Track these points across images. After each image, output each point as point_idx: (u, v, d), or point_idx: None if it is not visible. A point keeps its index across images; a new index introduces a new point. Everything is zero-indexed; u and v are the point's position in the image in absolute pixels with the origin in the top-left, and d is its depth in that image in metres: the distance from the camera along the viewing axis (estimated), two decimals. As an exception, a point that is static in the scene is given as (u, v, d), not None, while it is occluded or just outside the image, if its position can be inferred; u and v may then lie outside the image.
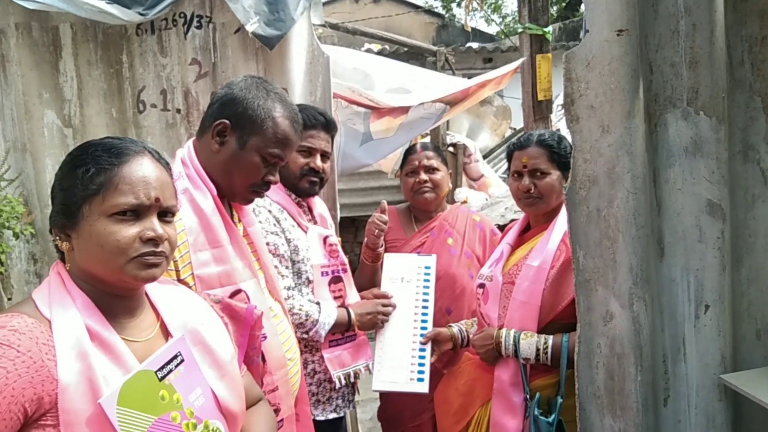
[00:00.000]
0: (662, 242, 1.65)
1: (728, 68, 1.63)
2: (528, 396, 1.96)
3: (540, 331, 1.98)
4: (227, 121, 1.61)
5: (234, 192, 1.68)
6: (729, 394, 1.65)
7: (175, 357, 1.18)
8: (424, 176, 2.75)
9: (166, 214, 1.20)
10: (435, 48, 5.79)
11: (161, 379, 1.13)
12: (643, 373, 1.58)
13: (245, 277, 1.66)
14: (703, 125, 1.59)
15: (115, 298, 1.17)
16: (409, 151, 2.87)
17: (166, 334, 1.24)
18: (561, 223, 2.01)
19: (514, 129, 8.07)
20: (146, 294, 1.27)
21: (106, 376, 1.06)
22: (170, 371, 1.16)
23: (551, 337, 1.95)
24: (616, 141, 1.53)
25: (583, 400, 1.67)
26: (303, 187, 2.28)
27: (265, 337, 1.64)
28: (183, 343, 1.22)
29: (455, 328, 2.43)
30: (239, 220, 1.77)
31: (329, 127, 2.32)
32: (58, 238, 1.16)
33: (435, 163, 2.78)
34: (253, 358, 1.51)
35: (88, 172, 1.12)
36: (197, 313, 1.32)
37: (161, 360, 1.15)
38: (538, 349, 1.95)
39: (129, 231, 1.12)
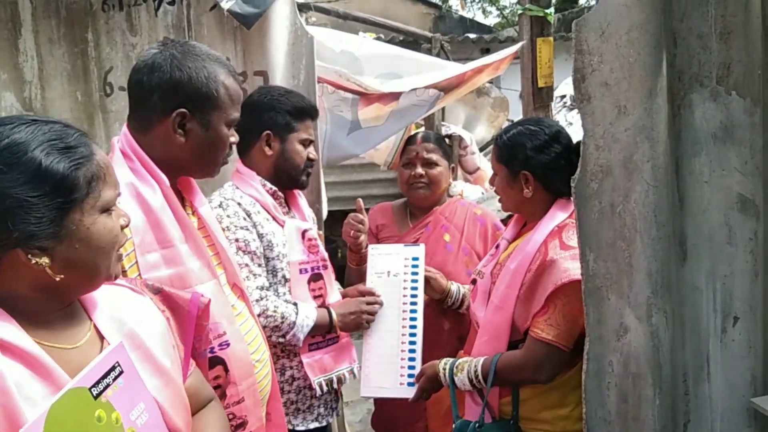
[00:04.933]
0: (685, 244, 1.48)
1: (763, 42, 1.42)
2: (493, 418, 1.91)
3: (521, 340, 1.85)
4: (185, 110, 1.50)
5: (208, 169, 1.62)
6: (759, 419, 1.49)
7: (113, 368, 1.03)
8: (420, 170, 2.61)
9: None
10: (431, 35, 5.58)
11: (97, 396, 0.98)
12: (662, 397, 1.40)
13: (203, 279, 1.53)
14: (735, 107, 1.41)
15: (58, 303, 1.05)
16: (409, 141, 2.74)
17: (101, 338, 1.10)
18: (546, 222, 1.88)
19: (512, 121, 7.87)
20: None
21: (32, 396, 0.92)
22: (107, 386, 1.01)
23: (481, 360, 1.87)
24: (635, 124, 1.34)
25: (591, 426, 1.48)
26: (303, 180, 2.18)
27: (228, 345, 1.53)
28: (121, 352, 1.07)
29: (454, 287, 2.40)
30: (193, 213, 1.63)
31: (318, 114, 2.27)
32: (28, 256, 0.95)
33: (434, 156, 2.64)
34: (200, 351, 1.36)
35: (70, 173, 0.98)
36: (133, 310, 1.18)
37: (96, 373, 1.00)
38: (471, 379, 1.89)
39: (115, 223, 1.06)
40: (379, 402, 2.65)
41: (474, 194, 5.48)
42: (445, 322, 2.53)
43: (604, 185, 1.40)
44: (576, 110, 6.63)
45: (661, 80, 1.34)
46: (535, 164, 1.88)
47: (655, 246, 1.38)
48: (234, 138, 1.61)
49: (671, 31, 1.40)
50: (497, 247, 2.12)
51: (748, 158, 1.42)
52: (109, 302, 1.15)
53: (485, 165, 6.32)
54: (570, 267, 1.66)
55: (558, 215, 1.87)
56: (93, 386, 0.98)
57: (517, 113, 8.12)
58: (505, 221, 2.59)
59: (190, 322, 1.30)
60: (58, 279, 0.98)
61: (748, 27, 1.38)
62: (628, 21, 1.31)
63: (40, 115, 1.06)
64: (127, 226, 1.11)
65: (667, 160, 1.38)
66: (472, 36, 10.37)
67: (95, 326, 1.10)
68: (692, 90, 1.42)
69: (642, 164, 1.35)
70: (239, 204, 2.01)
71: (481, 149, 6.88)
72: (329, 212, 2.77)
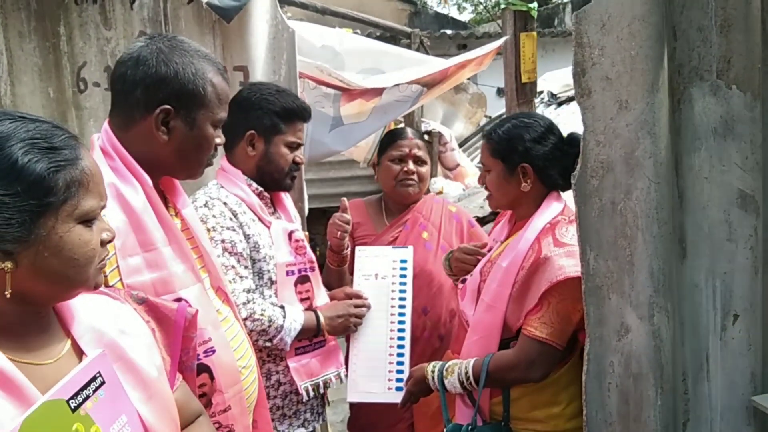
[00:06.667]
0: (684, 241, 1.44)
1: (763, 35, 1.40)
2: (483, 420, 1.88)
3: (513, 338, 1.82)
4: (169, 107, 1.43)
5: (191, 170, 1.56)
6: (759, 417, 1.46)
7: (94, 379, 0.99)
8: (413, 167, 2.55)
9: None
10: (410, 30, 5.52)
11: (75, 409, 0.94)
12: (664, 397, 1.37)
13: (187, 283, 1.47)
14: (735, 102, 1.38)
15: (32, 315, 0.99)
16: (398, 135, 2.63)
17: (80, 351, 1.04)
18: (537, 218, 1.85)
19: (489, 117, 7.90)
20: None
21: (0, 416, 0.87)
22: (87, 398, 0.96)
23: (471, 362, 1.83)
24: (637, 119, 1.31)
25: (591, 428, 1.45)
26: (287, 183, 2.13)
27: (214, 351, 1.47)
28: (103, 361, 1.02)
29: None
30: (176, 214, 1.56)
31: (310, 116, 2.21)
32: None
33: (423, 155, 2.60)
34: (187, 363, 1.31)
35: (47, 174, 0.92)
36: (114, 320, 1.12)
37: (75, 384, 0.95)
38: (461, 382, 1.85)
39: (95, 235, 1.00)
40: (355, 407, 2.59)
41: (454, 191, 5.45)
42: (426, 321, 2.50)
43: (605, 182, 1.37)
44: (554, 106, 6.63)
45: (663, 74, 1.31)
46: (535, 156, 1.85)
47: (657, 244, 1.34)
48: (220, 139, 1.55)
49: (671, 24, 1.37)
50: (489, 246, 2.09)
51: (748, 153, 1.39)
52: (87, 313, 1.09)
53: (465, 161, 6.30)
54: (565, 264, 1.63)
55: (550, 210, 1.85)
56: (71, 398, 0.93)
57: (494, 109, 8.15)
58: (479, 220, 2.56)
59: (177, 334, 1.24)
60: (7, 294, 0.91)
61: (748, 20, 1.36)
62: (629, 13, 1.27)
63: (32, 114, 0.99)
64: (110, 241, 1.04)
65: (668, 156, 1.36)
66: (448, 32, 10.38)
67: (73, 340, 1.04)
68: (692, 84, 1.39)
69: (644, 160, 1.32)
70: (225, 204, 1.94)
71: (460, 145, 6.88)
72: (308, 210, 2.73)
